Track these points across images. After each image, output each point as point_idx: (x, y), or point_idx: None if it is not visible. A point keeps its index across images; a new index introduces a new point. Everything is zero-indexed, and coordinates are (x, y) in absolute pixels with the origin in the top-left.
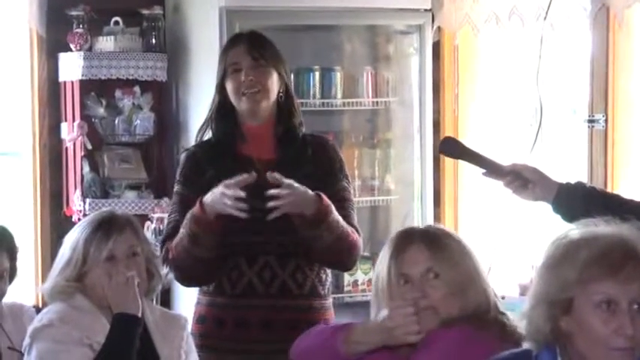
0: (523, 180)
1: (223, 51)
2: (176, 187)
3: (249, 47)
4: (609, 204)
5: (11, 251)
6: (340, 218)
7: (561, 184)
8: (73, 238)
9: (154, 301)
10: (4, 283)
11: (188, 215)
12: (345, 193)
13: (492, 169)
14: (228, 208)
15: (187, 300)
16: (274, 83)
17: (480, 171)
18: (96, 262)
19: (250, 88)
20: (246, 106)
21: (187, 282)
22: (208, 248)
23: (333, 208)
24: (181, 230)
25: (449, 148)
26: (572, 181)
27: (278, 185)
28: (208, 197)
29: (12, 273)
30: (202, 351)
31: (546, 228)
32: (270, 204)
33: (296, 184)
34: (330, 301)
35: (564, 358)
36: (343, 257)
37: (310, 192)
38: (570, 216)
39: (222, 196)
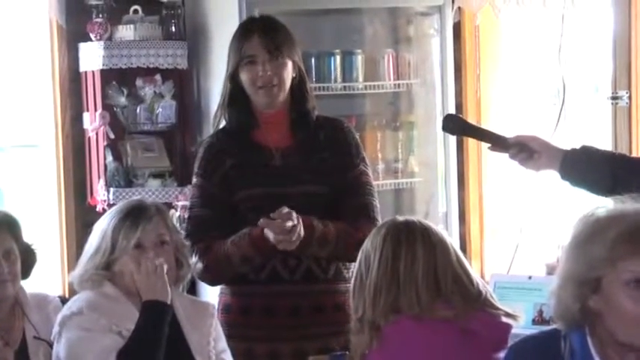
0: (528, 151)
1: (237, 40)
2: (195, 180)
3: (265, 40)
4: (614, 164)
5: (14, 231)
6: (331, 228)
7: (566, 151)
8: (102, 226)
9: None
10: (13, 263)
11: (244, 238)
12: (362, 177)
13: (497, 142)
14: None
15: (213, 288)
16: (289, 73)
17: (487, 146)
18: (124, 250)
19: (267, 82)
20: (263, 100)
21: (215, 284)
22: (256, 265)
23: (316, 224)
24: (229, 247)
25: (451, 125)
26: (578, 146)
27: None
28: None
29: (27, 255)
30: (229, 340)
31: (572, 207)
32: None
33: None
34: None
35: (593, 337)
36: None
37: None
38: (577, 180)
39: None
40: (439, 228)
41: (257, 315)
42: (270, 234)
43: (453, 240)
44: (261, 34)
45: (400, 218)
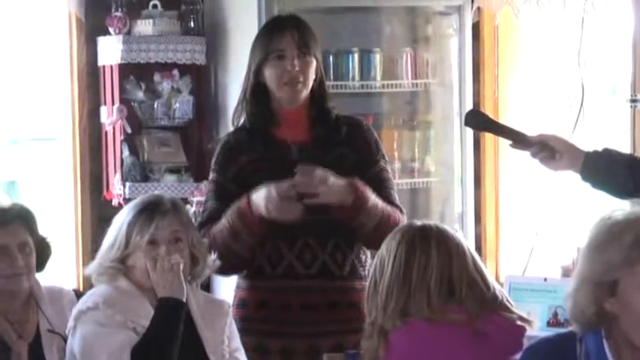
0: (550, 150)
1: (265, 35)
2: (211, 175)
3: (297, 36)
4: (635, 167)
5: (29, 224)
6: (379, 201)
7: (588, 153)
8: (119, 220)
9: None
10: (27, 256)
11: (233, 207)
12: (383, 173)
13: (519, 140)
14: (273, 213)
15: (228, 285)
16: (313, 72)
17: (509, 143)
18: (138, 245)
19: (294, 79)
20: (287, 95)
21: (222, 272)
22: (247, 247)
23: (370, 192)
24: (222, 221)
25: (474, 120)
26: (599, 149)
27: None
28: (257, 197)
29: (42, 248)
30: (244, 335)
31: (588, 209)
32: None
33: (329, 175)
34: None
35: (609, 340)
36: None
37: (343, 181)
38: (599, 183)
39: (269, 200)
40: (456, 232)
41: (272, 310)
42: (260, 200)
43: (468, 242)
44: (293, 30)
45: (417, 223)
